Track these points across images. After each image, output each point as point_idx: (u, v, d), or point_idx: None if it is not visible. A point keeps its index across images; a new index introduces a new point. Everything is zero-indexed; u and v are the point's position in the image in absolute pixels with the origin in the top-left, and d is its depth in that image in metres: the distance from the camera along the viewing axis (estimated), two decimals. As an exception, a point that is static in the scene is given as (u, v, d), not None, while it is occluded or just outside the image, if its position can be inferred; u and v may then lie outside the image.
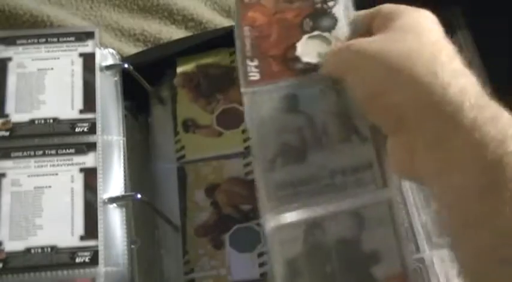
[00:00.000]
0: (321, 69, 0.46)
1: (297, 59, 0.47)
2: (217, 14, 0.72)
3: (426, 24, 0.43)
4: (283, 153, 0.44)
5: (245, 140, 0.56)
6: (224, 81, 0.59)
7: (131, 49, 0.69)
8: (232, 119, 0.57)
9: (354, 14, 0.48)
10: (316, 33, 0.48)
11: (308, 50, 0.48)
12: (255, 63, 0.48)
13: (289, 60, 0.48)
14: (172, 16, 0.71)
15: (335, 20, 0.49)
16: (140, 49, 0.69)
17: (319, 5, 0.50)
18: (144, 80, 0.60)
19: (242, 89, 0.47)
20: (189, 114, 0.58)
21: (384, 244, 0.42)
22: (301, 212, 0.43)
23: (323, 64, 0.46)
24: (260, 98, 0.46)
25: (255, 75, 0.47)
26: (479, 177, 0.36)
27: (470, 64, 0.59)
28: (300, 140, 0.45)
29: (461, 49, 0.60)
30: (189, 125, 0.58)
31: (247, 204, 0.53)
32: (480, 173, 0.36)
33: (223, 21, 0.72)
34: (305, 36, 0.48)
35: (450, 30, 0.60)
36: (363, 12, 0.48)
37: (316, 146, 0.45)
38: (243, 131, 0.56)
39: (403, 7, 0.45)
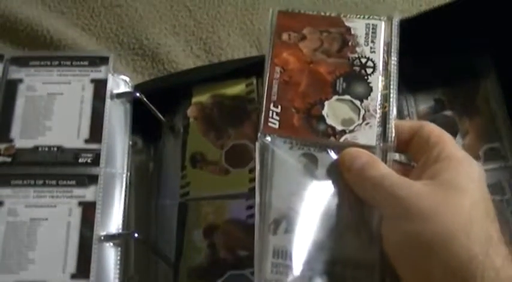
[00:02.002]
0: (349, 176, 0.43)
1: (321, 119, 0.45)
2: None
3: (478, 185, 0.41)
4: (289, 218, 0.42)
5: (251, 180, 0.53)
6: (238, 114, 0.57)
7: (128, 62, 0.68)
8: (241, 156, 0.55)
9: (396, 121, 0.45)
10: (347, 97, 0.46)
11: (335, 112, 0.46)
12: (278, 110, 0.46)
13: (312, 117, 0.45)
14: (173, 29, 0.70)
15: (369, 89, 0.46)
16: (138, 62, 0.68)
17: (357, 68, 0.47)
18: (157, 110, 0.58)
19: (259, 134, 0.45)
20: (199, 148, 0.56)
21: None
22: None
23: (356, 175, 0.43)
24: (276, 149, 0.44)
25: (274, 123, 0.45)
26: None
27: (496, 118, 0.56)
28: (310, 212, 0.42)
29: (488, 102, 0.57)
30: (197, 160, 0.56)
31: (244, 250, 0.50)
32: None
33: (222, 35, 0.71)
34: (335, 97, 0.46)
35: (477, 79, 0.58)
36: (405, 124, 0.45)
37: (324, 226, 0.42)
38: (250, 171, 0.53)
39: (450, 147, 0.42)
